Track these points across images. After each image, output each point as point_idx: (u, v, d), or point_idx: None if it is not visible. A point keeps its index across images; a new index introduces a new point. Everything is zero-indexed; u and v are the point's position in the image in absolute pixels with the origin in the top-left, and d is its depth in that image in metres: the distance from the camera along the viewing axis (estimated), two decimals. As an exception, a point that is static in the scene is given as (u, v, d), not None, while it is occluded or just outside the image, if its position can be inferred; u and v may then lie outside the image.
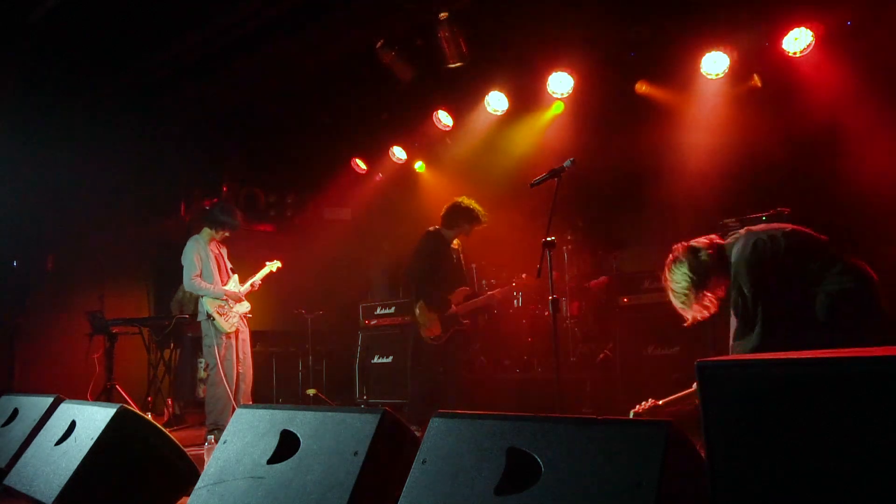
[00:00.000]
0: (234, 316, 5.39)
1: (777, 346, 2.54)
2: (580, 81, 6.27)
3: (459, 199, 5.28)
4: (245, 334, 5.50)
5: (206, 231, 5.52)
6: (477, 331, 6.91)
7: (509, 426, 1.73)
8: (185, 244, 5.50)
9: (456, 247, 5.30)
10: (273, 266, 5.85)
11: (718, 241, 3.01)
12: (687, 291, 2.88)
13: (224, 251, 5.62)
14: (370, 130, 7.89)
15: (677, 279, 2.91)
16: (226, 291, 5.38)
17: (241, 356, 5.40)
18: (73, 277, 7.11)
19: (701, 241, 3.00)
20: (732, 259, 2.86)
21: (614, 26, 5.83)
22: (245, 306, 5.52)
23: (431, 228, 5.28)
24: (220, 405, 5.15)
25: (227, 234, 5.56)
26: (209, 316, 5.25)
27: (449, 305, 5.02)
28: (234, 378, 5.30)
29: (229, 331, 5.32)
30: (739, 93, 5.82)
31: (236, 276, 5.59)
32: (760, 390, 1.32)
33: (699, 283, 2.87)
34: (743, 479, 1.31)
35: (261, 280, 5.70)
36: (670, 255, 3.02)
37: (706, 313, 2.93)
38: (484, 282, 6.97)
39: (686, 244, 3.01)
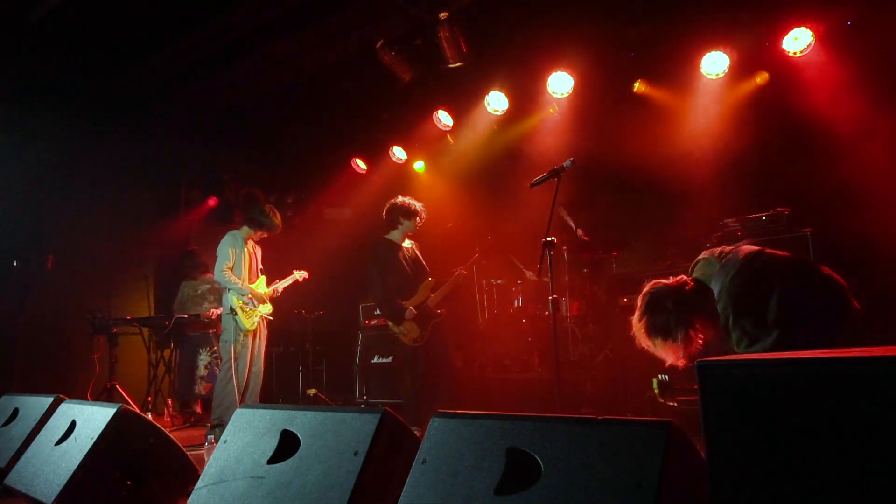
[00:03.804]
0: (257, 315, 5.44)
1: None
2: (580, 81, 6.27)
3: (393, 200, 5.33)
4: (263, 336, 5.54)
5: (245, 229, 5.56)
6: (477, 329, 6.92)
7: (509, 426, 1.73)
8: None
9: (409, 246, 5.32)
10: (299, 275, 5.92)
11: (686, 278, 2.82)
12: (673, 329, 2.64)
13: (259, 252, 5.66)
14: (370, 130, 7.90)
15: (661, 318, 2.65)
16: (252, 290, 5.42)
17: (255, 356, 5.44)
18: (73, 277, 7.11)
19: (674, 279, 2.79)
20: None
21: (614, 26, 5.83)
22: (268, 308, 5.57)
23: (375, 239, 5.33)
24: (227, 401, 5.18)
25: (264, 234, 5.60)
26: (232, 311, 5.28)
27: (403, 313, 5.05)
28: (245, 377, 5.33)
29: (250, 329, 5.36)
30: (739, 93, 5.83)
31: (264, 278, 5.64)
32: (760, 390, 1.32)
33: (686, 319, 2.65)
34: (743, 479, 1.31)
35: (284, 287, 5.76)
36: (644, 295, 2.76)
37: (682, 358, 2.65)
38: (485, 282, 6.96)
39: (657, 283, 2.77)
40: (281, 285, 5.74)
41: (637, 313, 2.73)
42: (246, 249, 5.51)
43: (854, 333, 2.60)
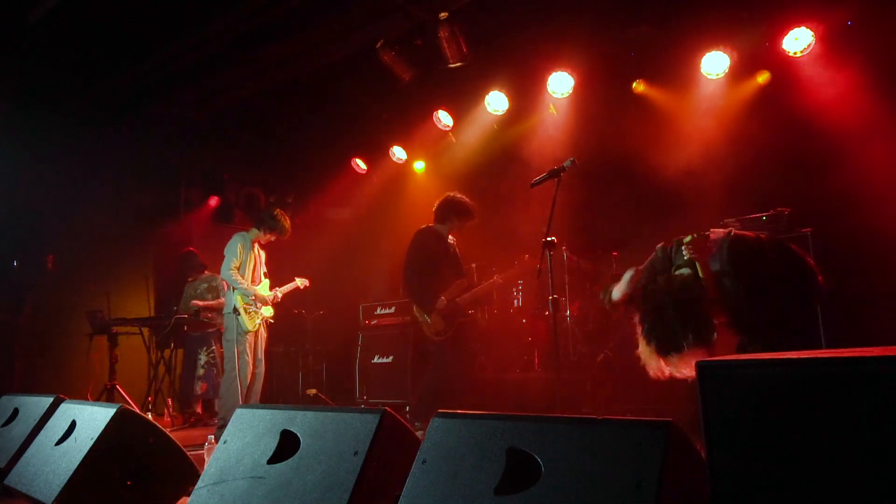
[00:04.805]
0: (259, 317, 5.48)
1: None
2: (580, 81, 6.27)
3: (451, 194, 5.24)
4: (263, 337, 5.59)
5: (254, 231, 5.62)
6: (477, 329, 6.91)
7: (509, 426, 1.73)
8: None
9: (451, 241, 5.28)
10: (301, 283, 5.96)
11: None
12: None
13: (263, 255, 5.69)
14: (370, 130, 7.90)
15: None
16: (256, 292, 5.45)
17: (258, 357, 5.47)
18: (73, 277, 7.11)
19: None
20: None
21: (614, 26, 5.83)
22: (269, 311, 5.62)
23: (423, 226, 5.26)
24: (231, 401, 5.22)
25: (272, 238, 5.65)
26: (235, 310, 5.31)
27: (434, 302, 4.98)
28: (248, 377, 5.37)
29: (252, 329, 5.40)
30: (739, 93, 5.83)
31: (267, 282, 5.67)
32: (760, 390, 1.32)
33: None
34: (743, 479, 1.31)
35: (283, 293, 5.79)
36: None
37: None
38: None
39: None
40: (282, 291, 5.78)
41: (642, 340, 2.51)
42: (252, 251, 5.54)
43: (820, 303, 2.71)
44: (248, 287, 5.41)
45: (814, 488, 1.22)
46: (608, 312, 5.95)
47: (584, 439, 1.56)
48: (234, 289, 5.38)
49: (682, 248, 2.77)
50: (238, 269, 5.40)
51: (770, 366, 1.33)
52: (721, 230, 2.82)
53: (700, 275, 2.62)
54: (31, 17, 5.44)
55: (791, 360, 1.32)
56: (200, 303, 6.69)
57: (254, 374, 5.43)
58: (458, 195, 5.21)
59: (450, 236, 5.26)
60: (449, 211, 5.16)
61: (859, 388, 1.19)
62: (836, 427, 1.21)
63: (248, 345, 5.38)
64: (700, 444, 1.43)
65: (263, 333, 5.58)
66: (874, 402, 1.17)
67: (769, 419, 1.30)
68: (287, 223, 5.66)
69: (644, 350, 2.51)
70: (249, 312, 5.39)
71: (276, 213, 5.66)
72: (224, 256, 5.48)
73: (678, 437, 1.44)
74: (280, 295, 5.76)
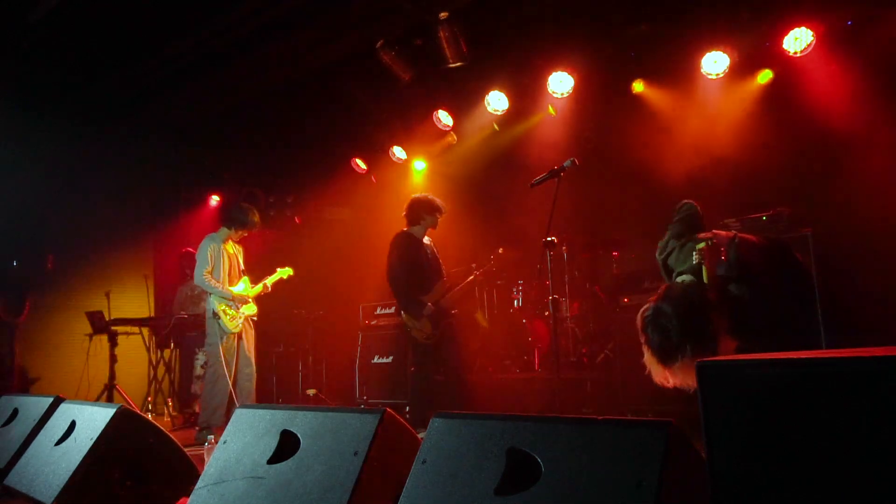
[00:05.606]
0: (240, 317, 5.44)
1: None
2: (580, 81, 6.27)
3: (415, 195, 5.30)
4: (250, 336, 5.55)
5: (224, 230, 5.55)
6: (477, 329, 6.92)
7: (509, 426, 1.73)
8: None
9: (428, 242, 5.30)
10: (284, 273, 5.91)
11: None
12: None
13: (240, 252, 5.65)
14: (370, 130, 7.89)
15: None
16: (232, 293, 5.41)
17: (244, 358, 5.43)
18: (73, 277, 7.11)
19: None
20: None
21: (614, 26, 5.83)
22: (252, 309, 5.56)
23: (398, 231, 5.28)
24: (214, 403, 5.19)
25: (244, 233, 5.59)
26: (215, 314, 5.27)
27: (423, 309, 5.01)
28: (231, 380, 5.33)
29: (234, 331, 5.35)
30: (739, 93, 5.82)
31: (247, 279, 5.63)
32: (760, 390, 1.32)
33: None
34: (743, 479, 1.31)
35: (271, 284, 5.75)
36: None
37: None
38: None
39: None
40: (268, 282, 5.74)
41: (645, 349, 2.48)
42: (225, 251, 5.50)
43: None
44: (224, 289, 5.37)
45: (814, 488, 1.22)
46: (608, 312, 5.98)
47: (584, 439, 1.56)
48: (210, 294, 5.36)
49: (694, 253, 2.73)
50: (211, 273, 5.36)
51: (770, 366, 1.33)
52: (724, 233, 2.81)
53: (705, 280, 2.60)
54: (29, 17, 5.44)
55: (791, 360, 1.32)
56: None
57: (242, 375, 5.41)
58: (422, 195, 5.28)
59: (426, 237, 5.28)
60: (420, 211, 5.21)
61: (859, 388, 1.19)
62: (836, 427, 1.21)
63: (231, 347, 5.35)
64: (700, 444, 1.43)
65: (250, 333, 5.54)
66: (874, 402, 1.17)
67: (769, 419, 1.30)
68: (255, 217, 5.59)
69: (648, 359, 2.49)
70: (229, 314, 5.36)
71: (242, 207, 5.60)
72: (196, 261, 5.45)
73: (678, 437, 1.44)
74: (269, 285, 5.71)
